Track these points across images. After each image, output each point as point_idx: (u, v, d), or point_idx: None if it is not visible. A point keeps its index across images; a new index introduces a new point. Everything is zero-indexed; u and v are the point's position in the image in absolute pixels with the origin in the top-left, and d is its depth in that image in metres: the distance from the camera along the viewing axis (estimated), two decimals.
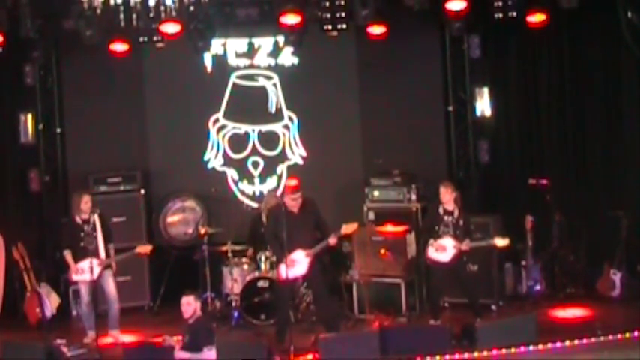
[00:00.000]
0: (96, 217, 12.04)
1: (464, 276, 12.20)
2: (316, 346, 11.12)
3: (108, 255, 12.04)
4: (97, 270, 11.81)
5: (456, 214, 12.03)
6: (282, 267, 11.58)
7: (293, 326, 11.65)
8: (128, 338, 12.15)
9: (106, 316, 12.26)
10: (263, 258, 12.81)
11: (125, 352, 11.29)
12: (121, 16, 12.27)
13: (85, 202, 12.01)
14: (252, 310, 12.63)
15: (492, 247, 12.19)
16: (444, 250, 11.93)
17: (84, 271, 11.86)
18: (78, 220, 12.03)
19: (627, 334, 11.23)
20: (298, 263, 11.59)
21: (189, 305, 10.20)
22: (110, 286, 12.05)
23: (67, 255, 12.00)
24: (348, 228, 11.66)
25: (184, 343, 10.13)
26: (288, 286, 11.70)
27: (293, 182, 11.86)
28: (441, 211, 12.06)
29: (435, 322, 12.02)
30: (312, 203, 11.78)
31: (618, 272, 12.79)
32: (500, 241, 11.98)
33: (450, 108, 14.20)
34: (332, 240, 11.57)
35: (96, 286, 11.90)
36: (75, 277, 12.00)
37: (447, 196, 12.02)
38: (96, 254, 11.92)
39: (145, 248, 12.24)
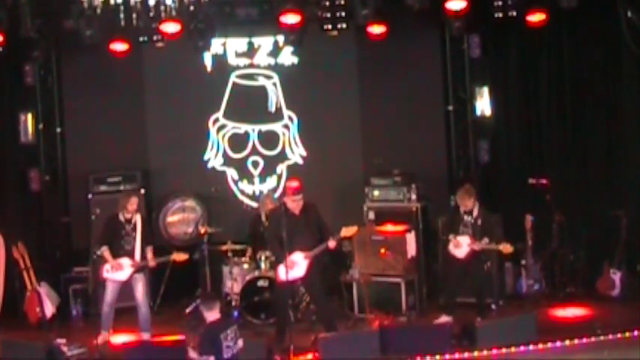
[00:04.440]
0: (138, 219, 12.07)
1: (476, 274, 12.21)
2: (316, 346, 11.13)
3: (143, 257, 12.01)
4: (129, 271, 11.90)
5: (475, 213, 12.07)
6: (281, 268, 11.58)
7: (293, 326, 11.65)
8: (128, 338, 12.13)
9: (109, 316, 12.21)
10: (263, 257, 12.81)
11: (125, 352, 11.30)
12: (121, 15, 12.27)
13: (132, 203, 12.02)
14: (252, 310, 12.62)
15: (498, 252, 12.19)
16: (460, 246, 12.03)
17: (120, 268, 11.87)
18: (121, 218, 12.03)
19: (627, 334, 11.24)
20: (297, 265, 11.58)
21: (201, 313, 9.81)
22: (139, 291, 12.00)
23: (105, 251, 11.90)
24: (347, 231, 11.66)
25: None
26: (286, 287, 11.69)
27: (294, 184, 11.86)
28: (461, 210, 12.15)
29: (446, 318, 12.00)
30: (314, 207, 11.79)
31: (618, 272, 12.80)
32: (507, 248, 11.98)
33: (450, 107, 14.21)
34: (331, 243, 11.57)
35: (120, 287, 11.98)
36: (106, 274, 11.91)
37: (464, 201, 12.09)
38: (131, 255, 11.94)
39: (180, 256, 12.23)
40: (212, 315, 9.47)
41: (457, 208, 12.27)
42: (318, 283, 11.89)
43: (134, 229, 12.00)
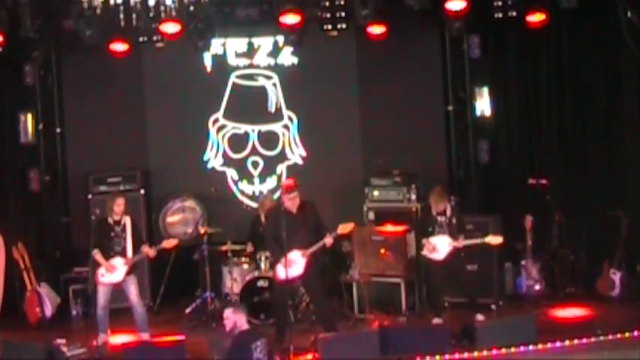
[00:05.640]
0: (127, 220, 12.02)
1: (460, 273, 12.21)
2: (316, 346, 11.11)
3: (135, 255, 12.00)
4: (123, 270, 11.84)
5: (449, 213, 12.07)
6: (279, 267, 11.59)
7: (293, 326, 11.65)
8: (128, 338, 12.12)
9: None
10: (263, 258, 12.80)
11: (125, 352, 11.29)
12: (121, 15, 12.28)
13: (118, 205, 11.97)
14: (252, 310, 12.57)
15: (486, 245, 12.17)
16: (437, 248, 11.99)
17: (113, 269, 11.82)
18: (110, 220, 12.00)
19: (627, 334, 11.22)
20: (295, 264, 11.57)
21: (228, 319, 9.58)
22: (132, 292, 11.94)
23: (97, 254, 11.84)
24: (344, 228, 11.64)
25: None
26: (285, 286, 11.69)
27: (288, 181, 11.90)
28: (433, 212, 12.11)
29: (438, 320, 12.02)
30: (312, 205, 11.77)
31: (618, 272, 12.79)
32: (493, 239, 11.98)
33: (450, 108, 14.19)
34: (328, 240, 11.57)
35: (111, 290, 11.93)
36: (101, 279, 11.85)
37: (437, 204, 12.06)
38: (123, 255, 11.89)
39: (170, 242, 12.19)
40: (244, 324, 9.41)
41: (429, 211, 12.22)
42: (318, 282, 11.88)
43: (123, 230, 11.95)
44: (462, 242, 11.96)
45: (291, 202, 11.61)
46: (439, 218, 12.08)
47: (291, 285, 11.90)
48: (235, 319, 9.51)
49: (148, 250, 12.03)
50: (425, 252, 12.10)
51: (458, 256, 12.08)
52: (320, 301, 11.96)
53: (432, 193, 12.23)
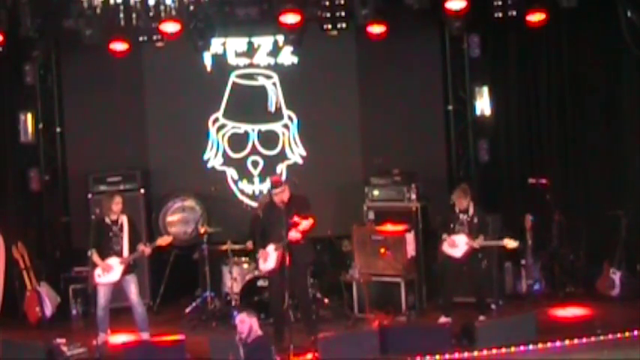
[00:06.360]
0: (125, 219, 12.00)
1: (474, 272, 12.21)
2: (316, 346, 11.13)
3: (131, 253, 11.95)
4: (119, 269, 11.81)
5: (471, 212, 12.08)
6: (260, 261, 11.77)
7: (293, 325, 11.64)
8: (128, 338, 12.12)
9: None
10: None
11: (125, 352, 11.30)
12: (121, 15, 12.30)
13: (116, 203, 11.94)
14: (252, 310, 12.59)
15: (502, 248, 12.18)
16: (456, 246, 12.00)
17: (110, 269, 11.80)
18: (107, 220, 11.97)
19: (627, 334, 11.24)
20: (269, 257, 11.64)
21: (243, 323, 9.54)
22: (133, 292, 11.92)
23: (93, 255, 11.80)
24: (305, 225, 11.59)
25: None
26: (275, 280, 11.71)
27: (274, 177, 12.00)
28: (456, 209, 12.13)
29: (445, 319, 12.00)
30: (300, 200, 11.76)
31: (618, 271, 12.80)
32: (511, 243, 11.98)
33: (450, 107, 14.21)
34: (292, 235, 11.53)
35: (111, 289, 11.90)
36: (98, 279, 11.81)
37: (460, 201, 12.08)
38: (120, 255, 11.87)
39: (165, 240, 12.20)
40: (258, 329, 9.48)
41: (452, 207, 12.25)
42: (297, 275, 11.80)
43: (121, 229, 11.93)
44: (478, 243, 11.97)
45: (277, 197, 11.67)
46: (461, 216, 12.11)
47: (282, 280, 11.81)
48: (251, 322, 9.53)
49: (144, 248, 12.00)
50: (445, 247, 12.11)
51: (474, 256, 12.08)
52: (302, 297, 11.95)
53: (456, 190, 12.26)
